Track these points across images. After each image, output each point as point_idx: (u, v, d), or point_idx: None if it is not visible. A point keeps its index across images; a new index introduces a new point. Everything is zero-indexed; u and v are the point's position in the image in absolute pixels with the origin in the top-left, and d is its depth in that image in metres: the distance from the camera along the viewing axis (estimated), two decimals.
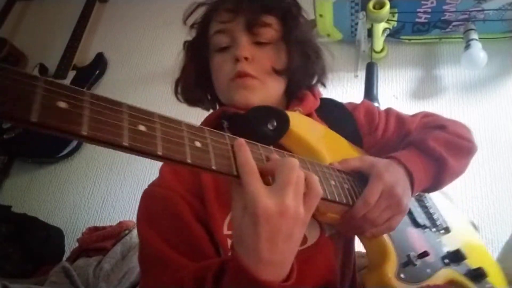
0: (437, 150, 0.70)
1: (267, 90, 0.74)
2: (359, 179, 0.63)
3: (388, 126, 0.81)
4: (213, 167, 0.42)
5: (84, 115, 0.34)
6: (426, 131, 0.77)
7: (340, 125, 0.79)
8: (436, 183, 0.71)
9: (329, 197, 0.55)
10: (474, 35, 1.63)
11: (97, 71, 2.04)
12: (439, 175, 0.70)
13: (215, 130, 0.46)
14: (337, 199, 0.56)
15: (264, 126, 0.66)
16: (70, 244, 1.57)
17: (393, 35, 1.75)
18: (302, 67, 0.78)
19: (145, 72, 2.07)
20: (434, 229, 0.75)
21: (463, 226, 0.86)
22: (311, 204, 0.47)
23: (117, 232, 1.25)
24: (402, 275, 0.60)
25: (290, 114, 0.67)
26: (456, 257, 0.70)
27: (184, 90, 0.84)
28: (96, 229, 1.31)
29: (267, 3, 0.75)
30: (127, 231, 1.25)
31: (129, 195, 1.71)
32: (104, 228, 1.30)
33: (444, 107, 1.67)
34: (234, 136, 0.48)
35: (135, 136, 0.37)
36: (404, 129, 0.81)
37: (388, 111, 0.84)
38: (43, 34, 2.31)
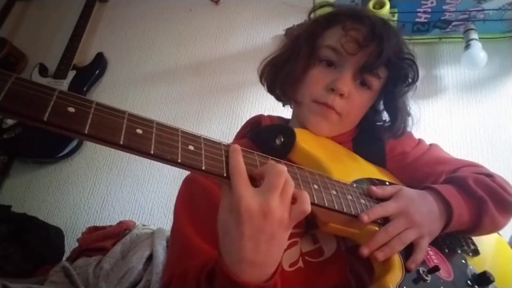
0: (478, 191, 0.69)
1: (341, 126, 0.77)
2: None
3: (422, 157, 0.81)
4: (203, 168, 0.46)
5: (88, 118, 0.40)
6: (469, 174, 0.75)
7: (364, 145, 0.81)
8: (477, 223, 0.69)
9: (326, 205, 0.56)
10: (474, 35, 1.63)
11: (97, 71, 2.04)
12: (479, 215, 0.68)
13: (211, 138, 0.49)
14: (335, 207, 0.58)
15: (272, 142, 0.69)
16: (70, 244, 1.57)
17: None
18: (388, 125, 0.81)
19: (145, 72, 2.06)
20: (459, 250, 0.72)
21: (495, 249, 0.82)
22: (295, 216, 0.48)
23: (117, 232, 1.24)
24: (405, 287, 0.59)
25: (297, 130, 0.70)
26: (481, 279, 0.67)
27: (273, 79, 0.83)
28: (96, 229, 1.31)
29: (394, 60, 0.73)
30: (127, 231, 1.24)
31: (129, 195, 1.70)
32: (104, 228, 1.29)
33: (444, 107, 1.67)
34: (229, 144, 0.50)
35: (131, 137, 0.42)
36: (441, 167, 0.79)
37: (431, 145, 0.85)
38: (43, 34, 2.31)
